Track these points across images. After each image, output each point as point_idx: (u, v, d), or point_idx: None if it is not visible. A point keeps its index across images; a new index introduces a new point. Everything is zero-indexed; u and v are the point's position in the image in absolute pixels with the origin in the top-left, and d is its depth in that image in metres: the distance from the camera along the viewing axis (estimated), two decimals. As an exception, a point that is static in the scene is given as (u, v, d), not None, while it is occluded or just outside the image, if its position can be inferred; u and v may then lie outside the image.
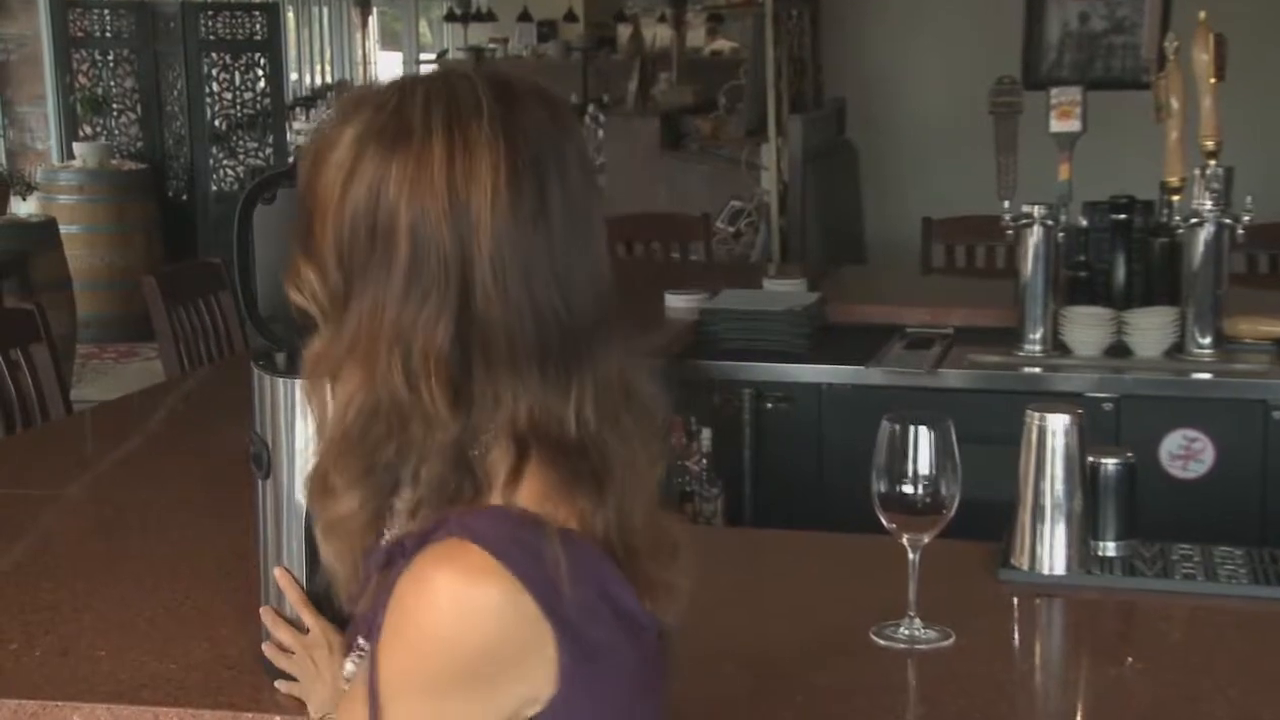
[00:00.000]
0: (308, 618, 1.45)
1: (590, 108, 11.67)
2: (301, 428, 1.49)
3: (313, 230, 1.07)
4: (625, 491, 1.05)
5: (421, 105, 1.03)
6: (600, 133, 9.26)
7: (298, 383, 1.49)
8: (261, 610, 1.53)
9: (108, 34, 8.10)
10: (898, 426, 1.66)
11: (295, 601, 1.47)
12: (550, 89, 1.08)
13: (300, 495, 1.50)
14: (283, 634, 1.49)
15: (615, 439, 1.06)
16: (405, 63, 21.29)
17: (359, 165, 1.03)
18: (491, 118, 1.02)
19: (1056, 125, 3.31)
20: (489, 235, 1.01)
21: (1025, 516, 1.93)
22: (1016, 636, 1.87)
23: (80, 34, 8.07)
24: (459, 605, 0.97)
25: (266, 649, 1.52)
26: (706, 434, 2.86)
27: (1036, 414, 1.92)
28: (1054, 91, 3.36)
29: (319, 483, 1.07)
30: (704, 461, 2.83)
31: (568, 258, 1.04)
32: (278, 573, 1.50)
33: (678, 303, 3.61)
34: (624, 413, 1.07)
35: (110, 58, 8.11)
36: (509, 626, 0.98)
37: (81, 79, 8.06)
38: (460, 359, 1.02)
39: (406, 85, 1.06)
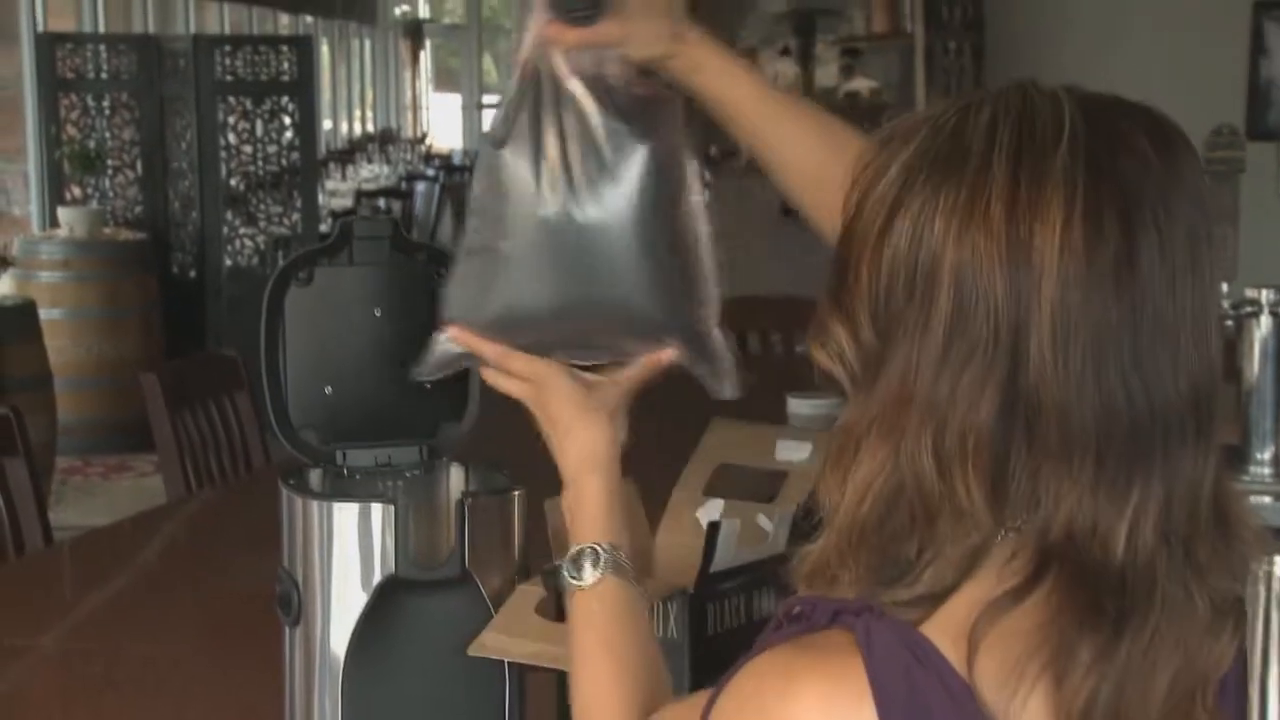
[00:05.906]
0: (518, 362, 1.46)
1: (693, 164, 11.71)
2: (340, 562, 1.51)
3: (845, 278, 1.08)
4: (1151, 655, 1.02)
5: (987, 124, 1.05)
6: (706, 194, 9.26)
7: (336, 506, 1.51)
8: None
9: (103, 74, 8.24)
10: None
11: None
12: (1168, 118, 1.08)
13: (338, 647, 1.51)
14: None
15: (1172, 577, 1.03)
16: (465, 106, 21.64)
17: (904, 197, 1.05)
18: (1073, 143, 1.03)
19: (1289, 186, 3.28)
20: (1054, 288, 1.00)
21: (1255, 693, 1.89)
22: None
23: (70, 74, 8.20)
24: (796, 706, 1.00)
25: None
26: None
27: (1268, 559, 1.89)
28: (1285, 144, 3.34)
29: (819, 569, 1.10)
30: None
31: (1155, 332, 1.02)
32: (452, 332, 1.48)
33: (803, 409, 3.59)
34: (1200, 540, 1.04)
35: (106, 103, 8.25)
36: None
37: (70, 129, 8.20)
38: (1003, 442, 1.02)
39: (973, 102, 1.08)
